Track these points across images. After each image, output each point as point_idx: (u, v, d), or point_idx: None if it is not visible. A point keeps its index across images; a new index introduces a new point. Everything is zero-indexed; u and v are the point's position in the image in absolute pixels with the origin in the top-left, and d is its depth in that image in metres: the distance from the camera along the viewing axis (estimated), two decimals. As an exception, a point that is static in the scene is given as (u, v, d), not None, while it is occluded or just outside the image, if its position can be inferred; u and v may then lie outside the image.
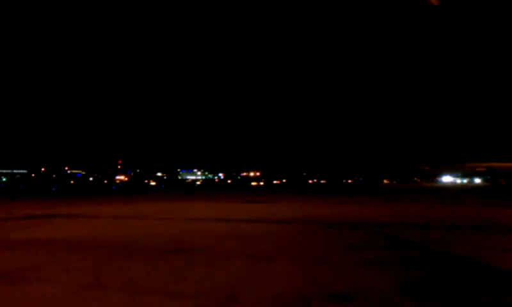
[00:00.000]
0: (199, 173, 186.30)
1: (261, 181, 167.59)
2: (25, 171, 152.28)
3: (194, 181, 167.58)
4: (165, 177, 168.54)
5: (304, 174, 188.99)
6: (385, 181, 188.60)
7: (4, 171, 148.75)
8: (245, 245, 13.65)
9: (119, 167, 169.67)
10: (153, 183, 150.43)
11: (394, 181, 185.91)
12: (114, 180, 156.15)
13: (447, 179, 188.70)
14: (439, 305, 7.26)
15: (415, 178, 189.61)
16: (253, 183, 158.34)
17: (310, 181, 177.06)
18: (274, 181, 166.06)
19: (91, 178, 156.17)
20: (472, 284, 8.57)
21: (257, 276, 9.26)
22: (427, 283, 8.64)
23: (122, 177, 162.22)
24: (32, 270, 10.09)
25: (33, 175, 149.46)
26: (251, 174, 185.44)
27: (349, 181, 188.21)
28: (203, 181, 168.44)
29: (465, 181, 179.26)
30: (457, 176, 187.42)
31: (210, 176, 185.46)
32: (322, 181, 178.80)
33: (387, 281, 8.77)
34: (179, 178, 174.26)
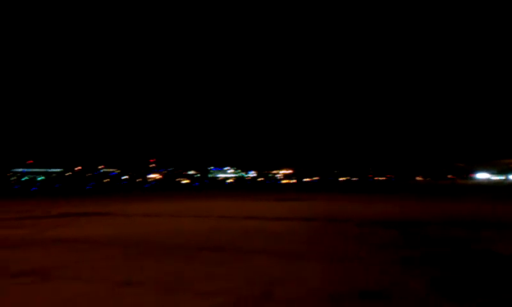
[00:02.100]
0: (230, 171, 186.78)
1: (292, 179, 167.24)
2: (61, 170, 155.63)
3: (226, 179, 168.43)
4: (197, 175, 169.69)
5: (336, 172, 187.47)
6: (418, 178, 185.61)
7: (41, 170, 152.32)
8: (276, 243, 13.57)
9: (152, 165, 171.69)
10: (185, 181, 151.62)
11: (428, 179, 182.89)
12: (147, 178, 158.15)
13: (481, 176, 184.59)
14: (476, 306, 7.04)
15: (449, 175, 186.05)
16: (285, 181, 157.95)
17: (342, 179, 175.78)
18: (306, 179, 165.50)
19: (125, 177, 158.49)
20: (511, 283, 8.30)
21: (289, 274, 9.18)
22: (463, 281, 8.41)
23: (155, 175, 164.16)
24: (65, 267, 10.23)
25: (69, 174, 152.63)
26: (283, 172, 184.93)
27: (382, 178, 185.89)
28: (235, 179, 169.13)
29: (500, 177, 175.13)
30: (492, 173, 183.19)
31: (242, 174, 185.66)
32: (354, 179, 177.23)
33: (421, 279, 8.57)
34: (211, 176, 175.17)
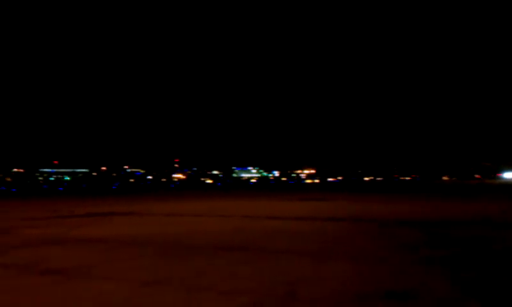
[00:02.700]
0: (254, 171, 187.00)
1: (316, 178, 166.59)
2: (87, 170, 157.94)
3: (249, 178, 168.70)
4: (221, 175, 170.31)
5: (360, 171, 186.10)
6: (444, 178, 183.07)
7: (67, 170, 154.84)
8: (299, 243, 13.53)
9: (176, 165, 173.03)
10: (209, 181, 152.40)
11: (454, 178, 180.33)
12: (172, 178, 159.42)
13: (509, 175, 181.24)
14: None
15: (476, 175, 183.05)
16: (308, 181, 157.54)
17: (366, 179, 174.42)
18: (329, 179, 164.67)
19: (149, 177, 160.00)
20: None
21: (313, 274, 9.14)
22: (488, 282, 8.27)
23: (179, 175, 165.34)
24: (91, 266, 10.36)
25: (94, 174, 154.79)
26: (306, 171, 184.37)
27: (407, 178, 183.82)
28: (258, 179, 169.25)
29: None
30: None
31: (265, 173, 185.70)
32: (378, 179, 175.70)
33: (447, 280, 8.45)
34: (234, 175, 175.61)
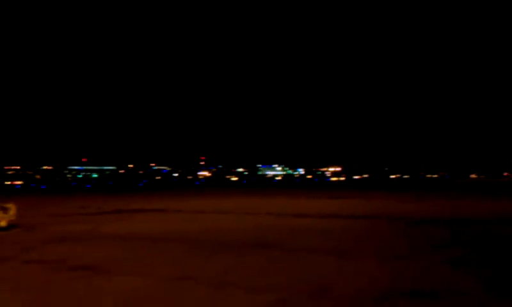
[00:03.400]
0: (279, 169, 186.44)
1: (341, 176, 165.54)
2: (114, 168, 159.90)
3: (274, 176, 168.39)
4: (246, 173, 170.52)
5: (387, 169, 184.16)
6: (473, 176, 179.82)
7: (95, 167, 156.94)
8: (326, 241, 13.51)
9: (202, 163, 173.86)
10: (234, 179, 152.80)
11: (482, 176, 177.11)
12: (198, 175, 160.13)
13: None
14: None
15: (505, 173, 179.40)
16: (334, 179, 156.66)
17: (393, 177, 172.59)
18: (355, 177, 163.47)
19: (175, 174, 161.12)
20: None
21: (340, 272, 9.13)
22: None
23: (205, 173, 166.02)
24: (119, 262, 10.53)
25: (122, 171, 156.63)
26: (331, 169, 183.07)
27: (434, 176, 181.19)
28: (283, 176, 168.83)
29: None
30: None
31: (290, 171, 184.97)
32: (405, 177, 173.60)
33: (473, 278, 8.36)
34: (259, 173, 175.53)
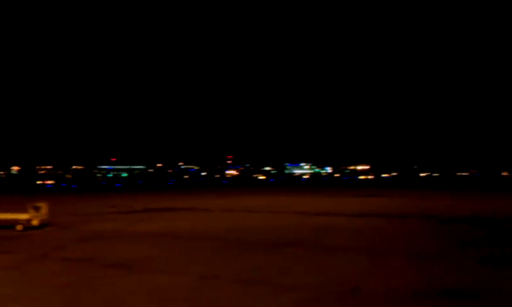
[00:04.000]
0: (306, 167, 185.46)
1: (370, 174, 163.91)
2: (143, 167, 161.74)
3: (302, 175, 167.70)
4: (273, 171, 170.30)
5: (416, 167, 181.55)
6: (504, 173, 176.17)
7: (124, 166, 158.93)
8: (355, 240, 13.43)
9: (229, 162, 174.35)
10: (262, 178, 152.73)
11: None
12: (225, 174, 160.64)
13: None
14: None
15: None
16: (362, 177, 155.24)
17: (422, 175, 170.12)
18: (384, 175, 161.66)
19: (203, 173, 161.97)
20: None
21: (370, 271, 9.06)
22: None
23: (232, 171, 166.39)
24: (150, 260, 10.66)
25: (151, 170, 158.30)
26: (360, 167, 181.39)
27: (464, 174, 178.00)
28: (311, 175, 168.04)
29: None
30: None
31: (318, 169, 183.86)
32: (434, 175, 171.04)
33: (508, 277, 8.21)
34: (287, 172, 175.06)
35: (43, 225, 16.92)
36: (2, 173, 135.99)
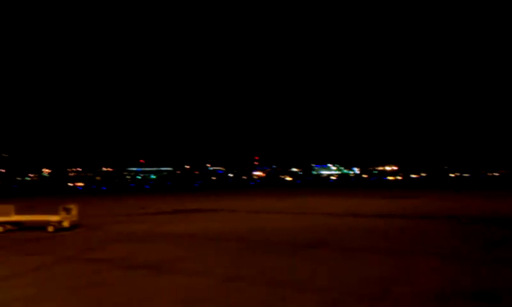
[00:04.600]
0: (333, 168, 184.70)
1: (398, 175, 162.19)
2: (171, 169, 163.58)
3: (329, 176, 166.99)
4: (300, 172, 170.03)
5: (446, 167, 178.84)
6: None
7: (152, 168, 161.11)
8: (382, 240, 13.37)
9: (256, 163, 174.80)
10: (288, 179, 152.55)
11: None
12: (252, 175, 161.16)
13: None
14: None
15: None
16: (390, 178, 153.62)
17: (452, 175, 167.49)
18: (413, 176, 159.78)
19: (230, 174, 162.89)
20: None
21: (397, 272, 9.02)
22: None
23: (259, 173, 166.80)
24: (178, 261, 10.81)
25: (178, 172, 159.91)
26: (388, 168, 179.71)
27: (495, 174, 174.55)
28: (338, 176, 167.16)
29: None
30: None
31: (345, 170, 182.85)
32: (465, 175, 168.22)
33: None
34: (314, 173, 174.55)
35: (73, 226, 17.28)
36: (34, 175, 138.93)
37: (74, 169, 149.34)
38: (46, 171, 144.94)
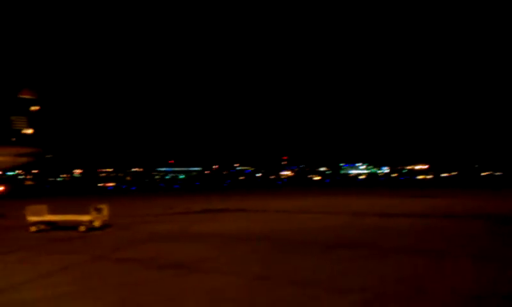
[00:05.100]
0: (362, 167, 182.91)
1: (429, 174, 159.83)
2: (200, 169, 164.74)
3: (358, 175, 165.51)
4: (328, 172, 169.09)
5: (477, 166, 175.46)
6: None
7: (181, 168, 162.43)
8: (412, 240, 13.18)
9: (284, 163, 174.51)
10: (317, 178, 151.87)
11: None
12: (280, 175, 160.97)
13: None
14: None
15: None
16: (420, 177, 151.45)
17: (484, 174, 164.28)
18: (443, 175, 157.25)
19: (258, 174, 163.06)
20: None
21: (429, 273, 8.86)
22: None
23: (287, 172, 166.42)
24: (207, 261, 10.83)
25: (207, 172, 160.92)
26: (418, 167, 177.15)
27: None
28: (367, 175, 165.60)
29: None
30: None
31: (374, 169, 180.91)
32: (497, 174, 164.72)
33: None
34: (342, 172, 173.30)
35: (104, 226, 17.50)
36: (65, 175, 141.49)
37: (105, 170, 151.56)
38: (77, 171, 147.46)
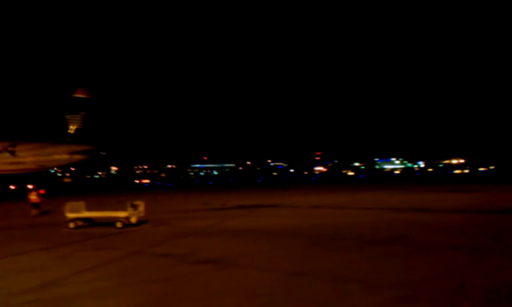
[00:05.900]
0: (397, 162, 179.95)
1: (465, 169, 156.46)
2: (233, 165, 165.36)
3: (392, 170, 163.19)
4: (362, 167, 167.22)
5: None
6: None
7: (215, 165, 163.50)
8: (449, 236, 12.97)
9: (317, 158, 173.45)
10: (350, 174, 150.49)
11: None
12: (313, 170, 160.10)
13: None
14: None
15: None
16: (457, 171, 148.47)
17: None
18: (481, 169, 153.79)
19: (291, 170, 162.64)
20: None
21: (469, 269, 8.70)
22: None
23: (321, 168, 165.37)
24: (242, 256, 10.90)
25: (240, 168, 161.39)
26: (454, 161, 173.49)
27: None
28: (402, 170, 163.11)
29: None
30: None
31: (409, 164, 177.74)
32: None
33: None
34: (376, 167, 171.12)
35: (140, 222, 17.80)
36: (102, 173, 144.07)
37: (140, 167, 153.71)
38: (114, 168, 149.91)
